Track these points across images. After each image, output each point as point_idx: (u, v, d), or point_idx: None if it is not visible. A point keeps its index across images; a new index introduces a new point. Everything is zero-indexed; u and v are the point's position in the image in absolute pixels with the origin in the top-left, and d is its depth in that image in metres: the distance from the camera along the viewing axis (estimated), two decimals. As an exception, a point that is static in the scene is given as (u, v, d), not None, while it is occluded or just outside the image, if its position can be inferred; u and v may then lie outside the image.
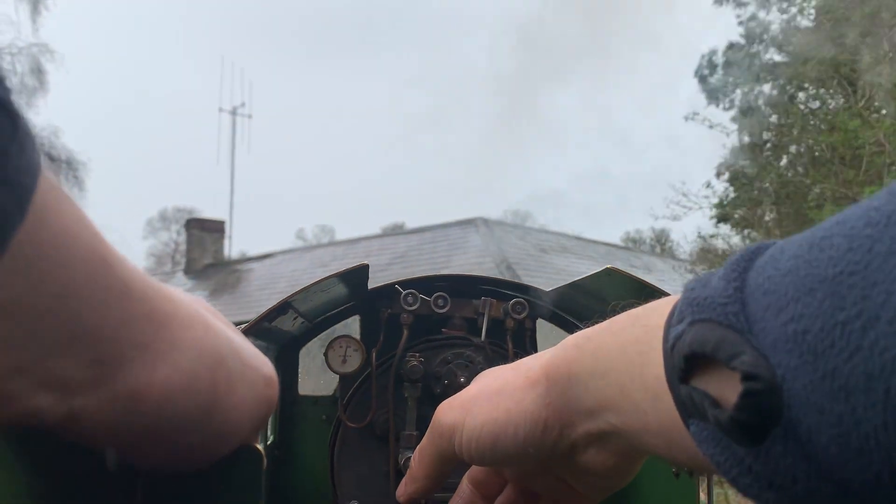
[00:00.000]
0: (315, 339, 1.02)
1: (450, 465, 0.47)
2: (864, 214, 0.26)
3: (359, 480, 0.94)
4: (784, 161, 12.94)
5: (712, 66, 13.99)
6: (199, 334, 0.35)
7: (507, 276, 12.50)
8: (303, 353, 1.02)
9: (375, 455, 0.94)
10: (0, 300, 0.26)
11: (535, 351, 0.98)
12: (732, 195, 13.27)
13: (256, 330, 0.82)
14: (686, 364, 0.30)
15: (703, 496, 0.86)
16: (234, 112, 21.14)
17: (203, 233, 19.09)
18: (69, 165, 17.10)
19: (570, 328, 1.02)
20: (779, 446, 0.27)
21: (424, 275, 0.99)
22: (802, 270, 0.27)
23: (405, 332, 0.94)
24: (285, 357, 1.00)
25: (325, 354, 0.93)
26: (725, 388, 0.28)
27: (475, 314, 0.97)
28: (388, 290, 0.96)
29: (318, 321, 1.00)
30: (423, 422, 0.91)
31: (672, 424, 0.31)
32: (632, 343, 0.35)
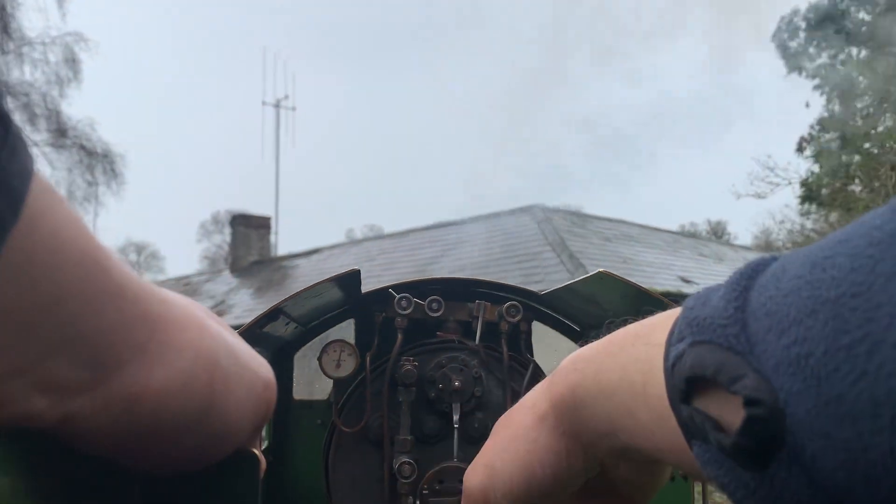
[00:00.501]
0: (309, 344, 1.02)
1: None
2: (867, 233, 0.25)
3: (353, 484, 0.94)
4: (881, 128, 11.52)
5: (793, 30, 12.67)
6: (194, 336, 0.35)
7: (569, 267, 11.22)
8: (297, 357, 1.02)
9: (370, 459, 0.94)
10: None
11: (531, 354, 0.98)
12: (817, 171, 11.91)
13: (248, 336, 0.81)
14: (687, 385, 0.30)
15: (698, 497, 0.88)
16: (277, 105, 20.67)
17: (249, 230, 18.52)
18: (105, 157, 16.72)
19: (565, 331, 1.03)
20: (783, 472, 0.26)
21: (418, 278, 1.00)
22: (804, 291, 0.26)
23: (399, 336, 0.94)
24: (279, 362, 0.99)
25: (320, 359, 0.92)
26: (727, 411, 0.28)
27: (470, 317, 0.97)
28: (382, 294, 0.96)
29: (312, 326, 1.02)
30: (418, 426, 0.93)
31: (678, 444, 0.31)
32: (632, 362, 0.35)
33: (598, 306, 0.90)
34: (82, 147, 16.34)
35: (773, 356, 0.26)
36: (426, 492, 0.89)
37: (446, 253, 13.52)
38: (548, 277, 10.33)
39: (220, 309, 15.72)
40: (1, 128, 0.24)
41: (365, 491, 0.93)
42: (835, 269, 0.25)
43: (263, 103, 20.60)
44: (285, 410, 0.99)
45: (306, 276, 15.65)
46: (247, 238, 18.54)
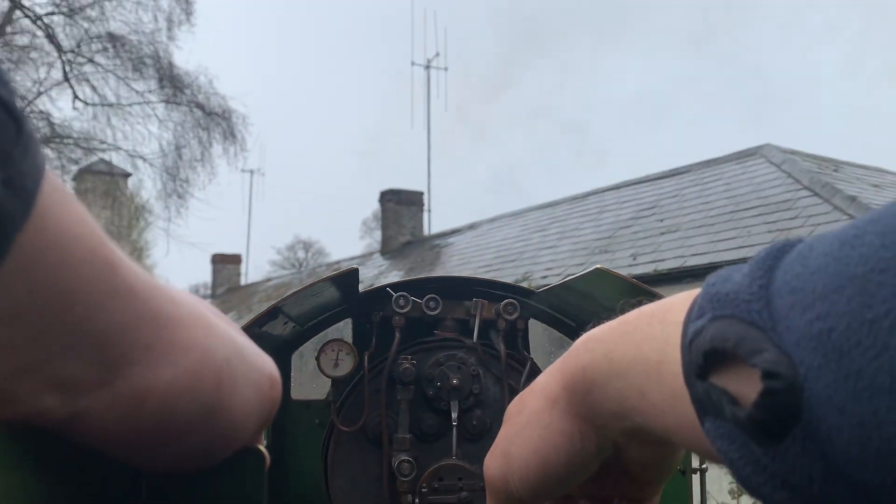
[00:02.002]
0: (307, 344, 1.02)
1: None
2: None
3: (353, 483, 0.93)
4: None
5: None
6: (202, 335, 0.35)
7: (850, 211, 7.51)
8: (294, 357, 1.02)
9: (369, 458, 0.94)
10: (5, 303, 0.26)
11: (528, 351, 0.98)
12: None
13: (247, 335, 0.77)
14: (705, 360, 0.29)
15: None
16: (427, 66, 18.38)
17: (400, 206, 16.21)
18: (222, 116, 15.03)
19: (562, 328, 1.02)
20: (797, 446, 0.26)
21: (415, 277, 1.00)
22: (832, 268, 0.26)
23: (397, 335, 0.93)
24: (276, 362, 0.83)
25: (317, 359, 0.92)
26: (745, 386, 0.28)
27: (467, 315, 0.97)
28: (380, 293, 0.95)
29: (310, 325, 1.01)
30: (417, 424, 0.93)
31: (691, 423, 0.31)
32: (647, 341, 0.34)
33: (594, 302, 0.91)
34: (198, 105, 14.88)
35: (795, 331, 0.26)
36: (425, 489, 0.89)
37: (641, 215, 10.19)
38: (812, 226, 6.94)
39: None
40: (13, 126, 0.24)
41: (364, 489, 0.93)
42: (864, 246, 0.25)
43: (413, 64, 18.38)
44: (283, 410, 0.97)
45: (462, 253, 13.16)
46: (398, 217, 16.31)
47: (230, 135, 15.13)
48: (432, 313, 0.94)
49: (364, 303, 0.96)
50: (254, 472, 0.40)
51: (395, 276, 14.05)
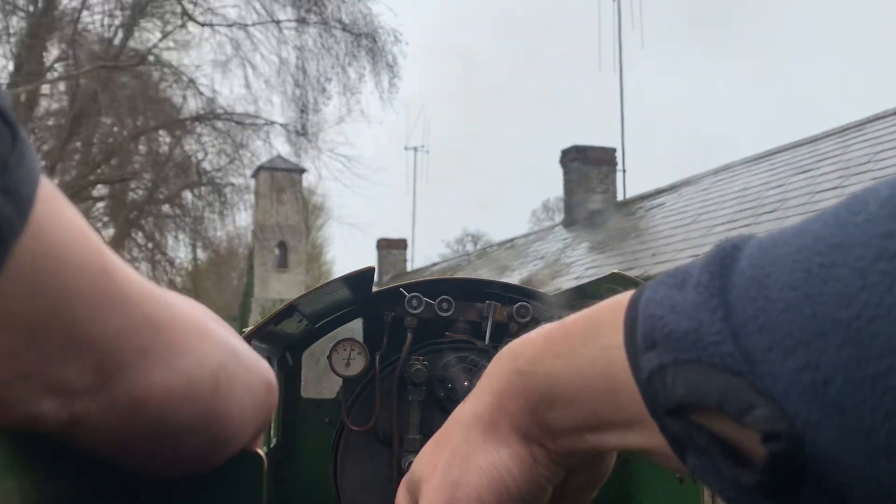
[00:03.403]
0: (318, 343, 1.03)
1: None
2: (871, 242, 0.23)
3: (362, 483, 0.94)
4: None
5: None
6: (198, 339, 0.35)
7: None
8: (305, 356, 1.03)
9: (379, 458, 0.94)
10: (2, 308, 0.26)
11: None
12: None
13: (261, 333, 0.83)
14: (679, 407, 0.27)
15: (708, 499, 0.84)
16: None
17: (587, 167, 13.09)
18: (371, 39, 12.64)
19: None
20: (810, 501, 0.25)
21: (428, 278, 1.00)
22: (805, 308, 0.24)
23: (409, 336, 0.94)
24: (288, 360, 1.00)
25: (329, 358, 0.92)
26: (735, 434, 0.26)
27: (479, 318, 0.97)
28: (393, 294, 0.96)
29: (321, 324, 1.01)
30: (427, 425, 0.93)
31: (662, 448, 0.29)
32: (589, 366, 0.32)
33: None
34: (338, 23, 12.60)
35: (781, 380, 0.24)
36: None
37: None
38: None
39: (552, 271, 10.73)
40: (9, 134, 0.25)
41: (374, 490, 0.93)
42: (839, 282, 0.23)
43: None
44: (294, 409, 1.00)
45: (668, 220, 9.84)
46: (585, 179, 13.15)
47: (379, 57, 12.77)
48: (445, 315, 0.94)
49: (376, 303, 0.97)
50: (251, 475, 0.40)
51: (583, 251, 11.10)
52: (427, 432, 0.91)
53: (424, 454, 0.40)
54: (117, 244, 14.26)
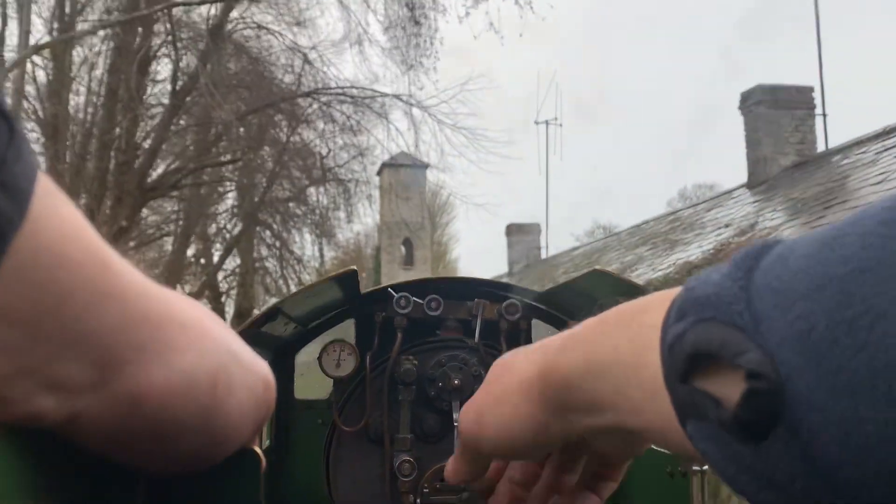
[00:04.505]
0: (311, 344, 1.02)
1: (487, 461, 0.49)
2: (879, 213, 0.26)
3: (354, 483, 0.94)
4: None
5: None
6: (196, 337, 0.36)
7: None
8: (298, 357, 1.02)
9: (371, 458, 0.94)
10: (1, 304, 0.26)
11: None
12: None
13: (248, 335, 0.81)
14: (687, 364, 0.30)
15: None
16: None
17: (776, 111, 10.46)
18: None
19: (565, 328, 0.89)
20: (779, 445, 0.26)
21: (417, 278, 1.00)
22: (812, 268, 0.27)
23: (399, 336, 0.93)
24: (281, 362, 0.99)
25: (319, 359, 0.93)
26: (728, 388, 0.28)
27: (469, 316, 0.96)
28: (382, 294, 0.96)
29: (313, 326, 1.01)
30: (418, 424, 0.94)
31: (669, 425, 0.31)
32: (625, 343, 0.35)
33: (594, 302, 0.89)
34: None
35: (777, 331, 0.27)
36: (426, 490, 0.89)
37: None
38: None
39: (738, 241, 8.27)
40: (6, 129, 0.25)
41: (366, 489, 0.93)
42: (844, 247, 0.26)
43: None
44: (287, 410, 0.99)
45: (884, 175, 7.12)
46: (774, 126, 10.55)
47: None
48: (433, 314, 0.94)
49: (366, 303, 0.96)
50: (250, 473, 0.40)
51: (775, 214, 8.55)
52: (417, 431, 0.92)
53: (493, 371, 0.46)
54: (247, 239, 13.70)
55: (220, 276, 16.29)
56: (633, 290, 0.82)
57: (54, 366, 0.29)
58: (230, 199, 14.48)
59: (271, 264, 15.83)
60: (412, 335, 0.93)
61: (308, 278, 14.41)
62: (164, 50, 11.39)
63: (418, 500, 0.89)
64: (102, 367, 0.31)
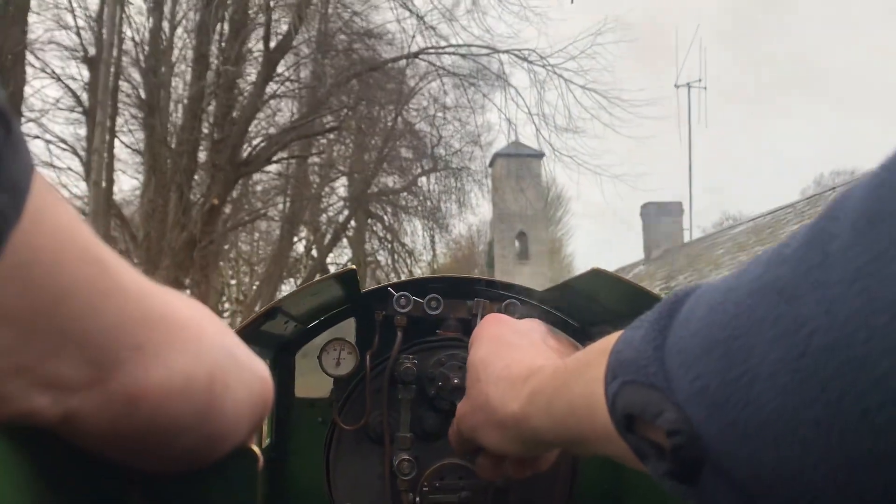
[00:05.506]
0: (311, 342, 1.04)
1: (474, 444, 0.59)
2: (748, 284, 0.30)
3: (354, 482, 0.95)
4: None
5: None
6: (194, 336, 0.36)
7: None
8: (299, 356, 1.04)
9: (370, 457, 0.95)
10: None
11: None
12: None
13: (247, 334, 0.82)
14: (627, 420, 0.35)
15: None
16: None
17: None
18: None
19: (566, 328, 1.03)
20: (711, 481, 0.31)
21: (417, 277, 1.01)
22: (703, 332, 0.31)
23: (399, 335, 0.94)
24: (282, 360, 1.02)
25: (319, 358, 0.94)
26: (662, 438, 0.33)
27: (469, 315, 0.97)
28: (382, 293, 0.97)
29: (314, 324, 1.03)
30: (418, 423, 0.95)
31: (632, 456, 0.37)
32: (577, 398, 0.41)
33: (597, 303, 0.91)
34: None
35: (683, 390, 0.31)
36: (426, 488, 0.91)
37: None
38: None
39: None
40: (2, 125, 0.25)
41: (365, 488, 0.94)
42: (724, 313, 0.30)
43: None
44: (288, 408, 1.01)
45: None
46: None
47: None
48: (433, 313, 0.95)
49: (366, 302, 0.97)
50: (246, 473, 0.40)
51: None
52: (417, 430, 0.93)
53: (482, 358, 0.59)
54: (358, 229, 12.65)
55: (332, 270, 15.21)
56: (632, 291, 0.82)
57: (50, 364, 0.29)
58: (342, 189, 13.87)
59: (383, 257, 14.71)
60: (412, 334, 0.94)
61: (419, 272, 13.82)
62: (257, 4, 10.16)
63: (417, 499, 0.90)
64: (99, 365, 0.30)
